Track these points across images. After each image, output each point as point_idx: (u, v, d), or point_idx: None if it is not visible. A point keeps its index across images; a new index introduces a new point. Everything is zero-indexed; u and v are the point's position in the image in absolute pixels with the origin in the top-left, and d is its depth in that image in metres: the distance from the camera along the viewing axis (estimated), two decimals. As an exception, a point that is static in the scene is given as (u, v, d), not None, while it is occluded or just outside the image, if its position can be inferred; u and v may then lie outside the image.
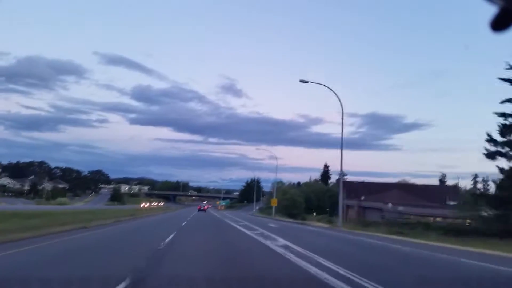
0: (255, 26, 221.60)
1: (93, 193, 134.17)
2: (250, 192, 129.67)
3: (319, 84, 29.14)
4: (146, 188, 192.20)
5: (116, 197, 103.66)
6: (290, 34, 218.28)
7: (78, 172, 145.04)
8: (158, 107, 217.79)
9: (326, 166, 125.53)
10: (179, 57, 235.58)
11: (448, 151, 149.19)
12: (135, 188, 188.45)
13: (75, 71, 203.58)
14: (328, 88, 28.65)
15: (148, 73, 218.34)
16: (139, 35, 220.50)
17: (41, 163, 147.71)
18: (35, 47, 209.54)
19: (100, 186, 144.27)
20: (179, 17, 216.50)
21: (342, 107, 29.05)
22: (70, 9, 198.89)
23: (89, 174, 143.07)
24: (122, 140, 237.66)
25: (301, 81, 28.51)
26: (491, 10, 1.37)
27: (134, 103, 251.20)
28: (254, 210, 76.18)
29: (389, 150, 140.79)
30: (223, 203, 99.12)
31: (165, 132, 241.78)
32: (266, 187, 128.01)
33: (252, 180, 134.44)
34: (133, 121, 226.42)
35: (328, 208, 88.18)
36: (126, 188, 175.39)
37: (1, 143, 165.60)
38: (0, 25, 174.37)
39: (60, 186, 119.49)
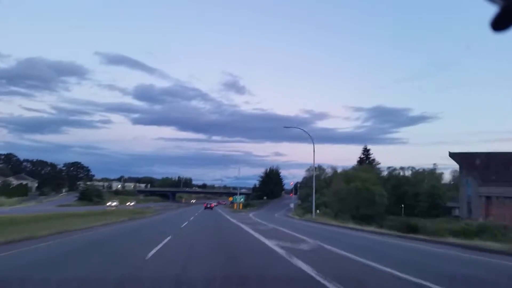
0: (257, 22, 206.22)
1: (69, 190, 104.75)
2: (270, 185, 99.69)
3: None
4: (142, 185, 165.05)
5: (88, 195, 74.31)
6: (292, 29, 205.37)
7: (52, 166, 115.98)
8: (161, 106, 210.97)
9: (366, 150, 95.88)
10: (181, 55, 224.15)
11: (455, 144, 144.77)
12: (130, 185, 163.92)
13: (76, 72, 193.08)
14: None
15: (150, 72, 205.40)
16: (140, 34, 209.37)
17: (9, 156, 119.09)
18: (35, 49, 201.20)
19: (80, 182, 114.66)
20: (180, 15, 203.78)
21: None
22: (70, 9, 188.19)
23: (64, 168, 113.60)
24: (125, 140, 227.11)
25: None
26: (493, 7, 1.38)
27: (137, 103, 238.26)
28: (313, 213, 40.20)
29: (396, 143, 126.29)
30: (241, 200, 67.52)
31: (169, 131, 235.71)
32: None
33: (271, 170, 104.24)
34: (136, 121, 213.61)
35: (402, 205, 58.03)
36: (119, 186, 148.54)
37: (5, 146, 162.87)
38: (0, 27, 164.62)
39: (18, 182, 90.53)
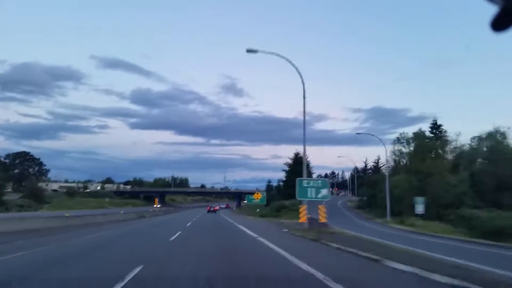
0: (254, 24, 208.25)
1: (12, 190, 73.09)
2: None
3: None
4: (128, 187, 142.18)
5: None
6: (289, 31, 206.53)
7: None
8: (159, 110, 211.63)
9: (436, 126, 64.09)
10: (178, 58, 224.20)
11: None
12: (112, 186, 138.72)
13: (72, 76, 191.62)
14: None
15: (147, 75, 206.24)
16: (136, 37, 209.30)
17: None
18: (30, 53, 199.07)
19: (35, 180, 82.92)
20: (176, 17, 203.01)
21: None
22: (65, 13, 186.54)
23: (8, 161, 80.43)
24: (123, 145, 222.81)
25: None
26: (493, 7, 1.37)
27: (134, 107, 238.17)
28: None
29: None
30: (326, 194, 19.32)
31: (167, 135, 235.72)
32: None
33: (300, 157, 72.70)
34: (134, 126, 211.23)
35: None
36: (98, 187, 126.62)
37: (2, 153, 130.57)
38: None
39: None
